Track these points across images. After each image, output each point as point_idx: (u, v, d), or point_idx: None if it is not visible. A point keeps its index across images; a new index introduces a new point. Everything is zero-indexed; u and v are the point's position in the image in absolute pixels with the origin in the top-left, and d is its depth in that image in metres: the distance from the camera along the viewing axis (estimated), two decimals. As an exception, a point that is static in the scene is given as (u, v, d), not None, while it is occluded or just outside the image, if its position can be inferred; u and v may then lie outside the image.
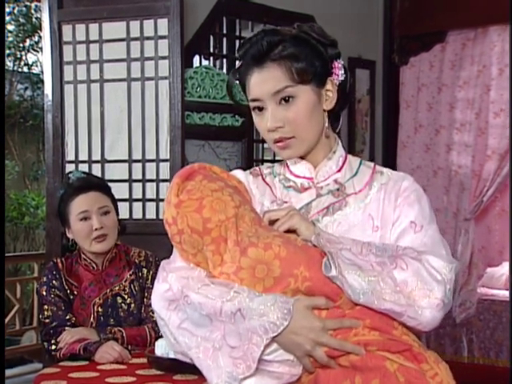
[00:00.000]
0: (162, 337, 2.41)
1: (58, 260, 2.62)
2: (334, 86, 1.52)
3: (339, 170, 1.54)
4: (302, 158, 1.55)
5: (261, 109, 1.49)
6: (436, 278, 1.39)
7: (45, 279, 2.57)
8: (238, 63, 1.53)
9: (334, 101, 1.53)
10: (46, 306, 2.54)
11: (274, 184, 1.58)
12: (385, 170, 1.57)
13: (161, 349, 2.27)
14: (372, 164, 1.58)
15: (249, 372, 1.33)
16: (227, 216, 1.43)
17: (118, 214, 2.67)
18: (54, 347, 2.46)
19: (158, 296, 1.46)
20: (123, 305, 2.59)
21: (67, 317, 2.53)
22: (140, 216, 3.62)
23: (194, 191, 1.45)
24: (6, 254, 5.75)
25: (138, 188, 3.63)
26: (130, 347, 2.44)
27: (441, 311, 1.39)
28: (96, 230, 2.54)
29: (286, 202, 1.54)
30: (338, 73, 1.53)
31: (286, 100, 1.47)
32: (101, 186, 2.65)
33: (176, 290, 1.41)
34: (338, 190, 1.52)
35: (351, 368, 1.35)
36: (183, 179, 1.48)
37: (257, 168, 1.65)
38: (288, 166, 1.57)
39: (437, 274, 1.39)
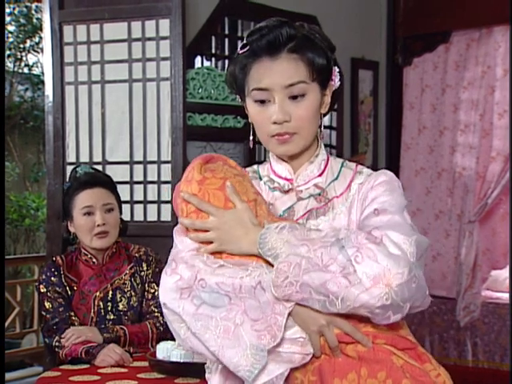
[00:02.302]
0: (163, 339, 2.42)
1: (58, 257, 2.64)
2: (330, 92, 1.52)
3: (320, 174, 1.53)
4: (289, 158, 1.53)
5: (263, 101, 1.45)
6: (395, 255, 1.32)
7: (43, 276, 2.59)
8: (240, 50, 1.47)
9: (328, 106, 1.52)
10: (46, 303, 2.55)
11: (260, 187, 1.56)
12: (365, 169, 1.54)
13: (162, 352, 2.27)
14: (354, 165, 1.55)
15: (275, 342, 1.31)
16: (248, 198, 1.44)
17: (121, 213, 2.68)
18: (56, 344, 2.46)
19: (166, 289, 1.42)
20: (123, 298, 2.60)
21: (67, 313, 2.53)
22: (141, 218, 3.60)
23: (217, 171, 1.45)
24: (7, 257, 5.73)
25: (139, 190, 3.61)
26: (131, 349, 2.44)
27: (406, 283, 1.30)
28: (98, 226, 2.56)
29: (272, 204, 1.53)
30: (335, 79, 1.52)
31: (295, 97, 1.44)
32: (107, 182, 2.67)
33: (188, 278, 1.38)
34: (319, 194, 1.50)
35: (357, 359, 1.35)
36: (205, 161, 1.47)
37: None
38: (272, 167, 1.56)
39: (396, 250, 1.32)
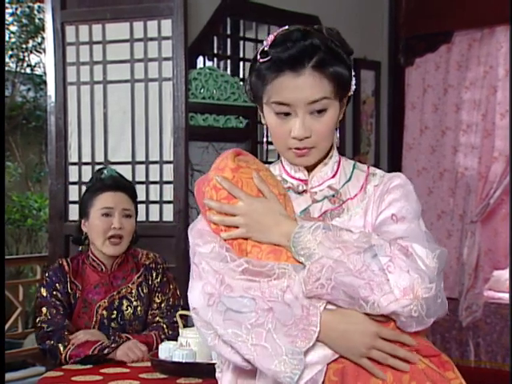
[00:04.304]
0: (166, 340, 2.43)
1: (64, 262, 2.59)
2: (347, 98, 1.50)
3: (334, 176, 1.51)
4: None
5: (284, 113, 1.42)
6: (422, 270, 1.32)
7: (48, 280, 2.54)
8: (261, 59, 1.41)
9: (343, 112, 1.51)
10: (44, 309, 2.50)
11: None
12: (377, 171, 1.53)
13: (165, 352, 2.26)
14: (365, 167, 1.54)
15: (310, 343, 1.30)
16: (279, 192, 1.43)
17: (136, 221, 2.68)
18: (56, 345, 2.42)
19: (195, 295, 1.40)
20: (129, 308, 2.57)
21: (65, 322, 2.48)
22: (143, 218, 3.60)
23: (251, 162, 1.45)
24: (9, 257, 5.74)
25: (141, 190, 3.60)
26: None
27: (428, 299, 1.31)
28: (114, 228, 2.55)
29: None
30: (352, 83, 1.49)
31: (319, 111, 1.41)
32: (130, 189, 2.69)
33: (213, 283, 1.36)
34: (333, 196, 1.49)
35: (382, 366, 1.34)
36: (236, 154, 1.46)
37: None
38: (284, 167, 1.54)
39: (422, 264, 1.33)
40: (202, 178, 1.48)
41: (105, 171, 2.67)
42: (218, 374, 1.51)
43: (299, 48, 1.38)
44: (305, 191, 1.50)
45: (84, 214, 2.61)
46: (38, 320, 2.51)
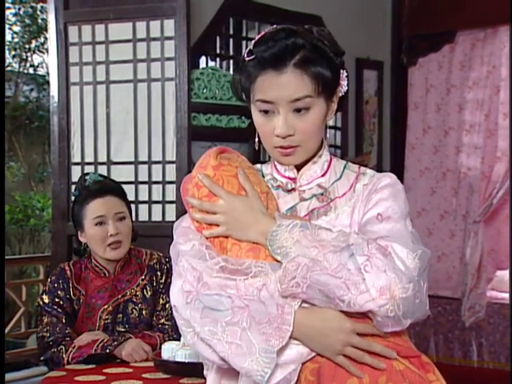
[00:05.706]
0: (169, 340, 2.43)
1: (67, 267, 2.56)
2: (337, 98, 1.49)
3: (323, 175, 1.51)
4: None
5: (267, 111, 1.44)
6: (400, 270, 1.32)
7: (50, 287, 2.52)
8: (247, 57, 1.43)
9: (334, 112, 1.50)
10: (45, 318, 2.47)
11: None
12: (368, 171, 1.53)
13: (167, 352, 2.27)
14: (356, 167, 1.54)
15: (284, 342, 1.31)
16: (262, 190, 1.43)
17: (132, 220, 2.63)
18: (53, 354, 2.41)
19: (174, 292, 1.42)
20: (134, 311, 2.55)
21: (67, 331, 2.46)
22: (146, 218, 3.61)
23: (233, 160, 1.45)
24: (12, 257, 5.74)
25: (144, 190, 3.62)
26: None
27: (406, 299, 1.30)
28: (111, 235, 2.50)
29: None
30: (343, 84, 1.49)
31: (302, 109, 1.42)
32: (118, 190, 2.61)
33: (191, 280, 1.38)
34: (322, 194, 1.50)
35: (359, 364, 1.34)
36: (220, 151, 1.47)
37: None
38: (276, 166, 1.55)
39: (401, 264, 1.32)
40: (187, 176, 1.48)
41: (87, 177, 2.59)
42: (205, 372, 1.52)
43: (280, 47, 1.39)
44: (293, 189, 1.51)
45: (78, 225, 2.56)
46: (38, 329, 2.49)
